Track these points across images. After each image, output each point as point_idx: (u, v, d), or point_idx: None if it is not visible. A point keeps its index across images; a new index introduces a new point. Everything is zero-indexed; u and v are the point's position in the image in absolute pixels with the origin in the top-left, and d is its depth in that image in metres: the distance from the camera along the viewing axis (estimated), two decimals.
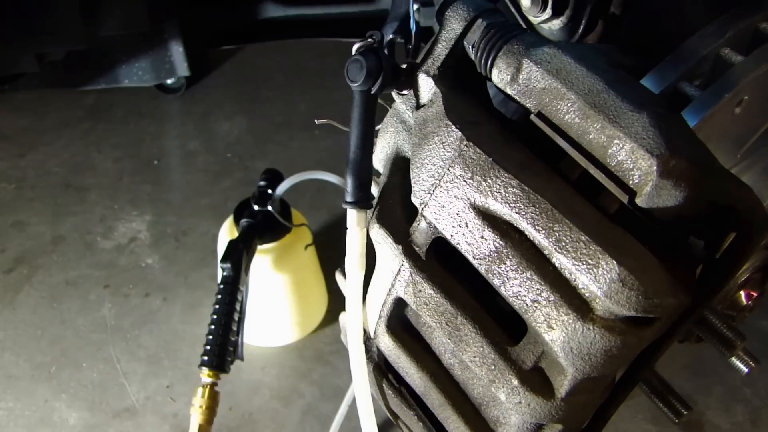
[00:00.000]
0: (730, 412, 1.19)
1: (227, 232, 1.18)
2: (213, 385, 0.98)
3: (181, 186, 1.64)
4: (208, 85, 1.93)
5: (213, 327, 1.00)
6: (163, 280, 1.40)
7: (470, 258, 0.53)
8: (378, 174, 0.68)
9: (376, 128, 0.64)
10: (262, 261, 1.15)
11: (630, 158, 0.47)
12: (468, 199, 0.52)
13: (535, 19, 0.61)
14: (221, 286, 1.03)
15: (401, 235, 0.59)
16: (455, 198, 0.53)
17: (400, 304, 0.61)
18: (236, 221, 1.15)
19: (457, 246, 0.54)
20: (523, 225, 0.50)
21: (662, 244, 0.49)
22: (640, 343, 0.51)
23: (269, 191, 1.14)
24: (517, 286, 0.50)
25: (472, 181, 0.52)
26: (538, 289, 0.49)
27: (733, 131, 0.57)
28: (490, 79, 0.57)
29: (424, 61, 0.61)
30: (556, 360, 0.51)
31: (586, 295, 0.48)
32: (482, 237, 0.52)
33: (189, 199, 1.59)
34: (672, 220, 0.47)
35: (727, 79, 0.53)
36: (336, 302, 1.34)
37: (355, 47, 0.60)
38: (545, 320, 0.49)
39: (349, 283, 0.65)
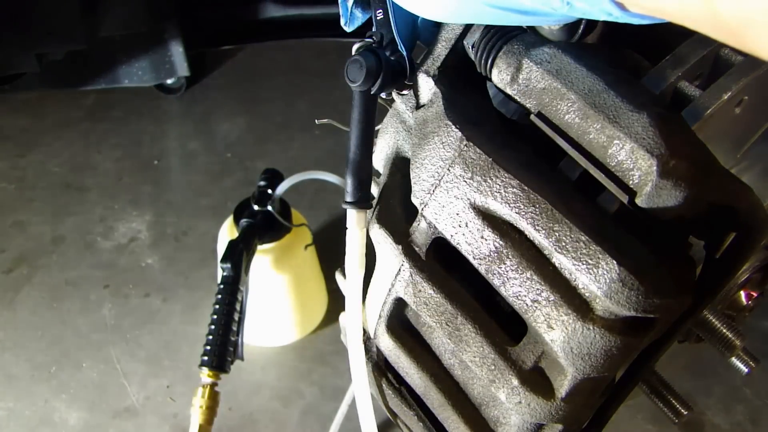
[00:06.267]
0: (730, 412, 1.19)
1: (227, 232, 1.18)
2: (213, 385, 0.98)
3: (181, 186, 1.64)
4: (208, 85, 1.93)
5: (213, 327, 1.00)
6: (163, 280, 1.40)
7: (470, 258, 0.53)
8: (378, 174, 0.68)
9: (376, 128, 0.64)
10: (262, 261, 1.15)
11: (630, 158, 0.47)
12: (468, 199, 0.52)
13: None
14: (221, 286, 1.03)
15: (401, 235, 0.59)
16: (455, 198, 0.53)
17: (400, 304, 0.61)
18: (236, 221, 1.15)
19: (457, 246, 0.54)
20: (523, 225, 0.50)
21: (662, 244, 0.49)
22: (640, 343, 0.51)
23: (269, 191, 1.14)
24: (517, 286, 0.50)
25: (472, 181, 0.52)
26: (538, 289, 0.49)
27: (733, 131, 0.58)
28: (490, 79, 0.57)
29: (424, 61, 0.61)
30: (557, 360, 0.51)
31: (586, 295, 0.48)
32: (482, 237, 0.52)
33: (189, 199, 1.59)
34: (672, 220, 0.47)
35: (727, 79, 0.53)
36: (336, 302, 1.34)
37: (354, 47, 0.60)
38: (545, 320, 0.49)
39: (349, 283, 0.65)
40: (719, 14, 0.30)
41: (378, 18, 0.59)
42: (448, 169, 0.54)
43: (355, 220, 0.63)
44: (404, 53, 0.59)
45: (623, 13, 0.37)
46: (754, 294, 0.69)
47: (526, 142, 0.55)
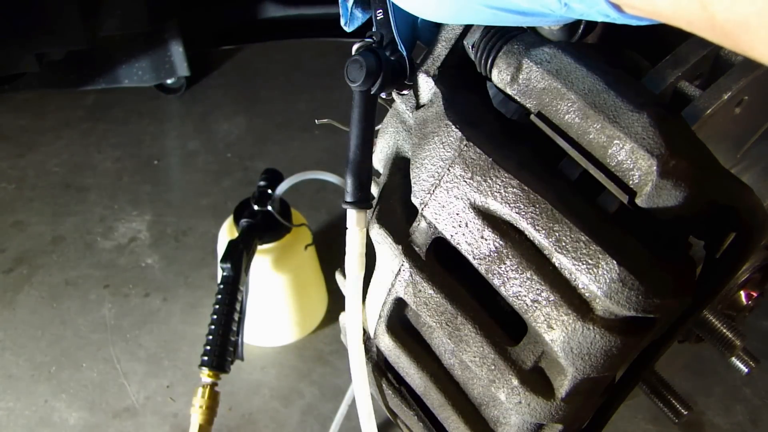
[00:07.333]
0: (730, 412, 1.19)
1: (227, 232, 1.18)
2: (213, 385, 0.98)
3: (181, 186, 1.64)
4: (208, 85, 1.93)
5: (213, 327, 1.00)
6: (163, 280, 1.40)
7: (470, 258, 0.53)
8: (378, 174, 0.68)
9: (376, 128, 0.64)
10: (262, 261, 1.15)
11: (630, 158, 0.47)
12: (468, 199, 0.52)
13: None
14: (221, 286, 1.03)
15: (401, 235, 0.59)
16: (455, 198, 0.53)
17: (400, 304, 0.61)
18: (236, 221, 1.15)
19: (457, 246, 0.54)
20: (523, 225, 0.50)
21: (662, 244, 0.49)
22: (640, 343, 0.51)
23: (269, 191, 1.14)
24: (517, 286, 0.50)
25: (472, 181, 0.52)
26: (538, 289, 0.49)
27: (733, 131, 0.58)
28: (490, 79, 0.57)
29: (424, 61, 0.61)
30: (556, 360, 0.51)
31: (586, 295, 0.48)
32: (482, 237, 0.52)
33: (189, 199, 1.59)
34: (672, 220, 0.47)
35: (727, 79, 0.53)
36: (336, 302, 1.34)
37: (354, 47, 0.60)
38: (545, 320, 0.49)
39: (349, 283, 0.65)
40: (714, 17, 0.30)
41: (378, 18, 0.59)
42: (448, 169, 0.54)
43: (355, 220, 0.63)
44: (404, 53, 0.59)
45: (620, 14, 0.37)
46: (754, 294, 0.69)
47: (526, 142, 0.55)
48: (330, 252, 1.32)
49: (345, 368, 1.13)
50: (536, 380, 0.53)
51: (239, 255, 1.05)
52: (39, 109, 1.82)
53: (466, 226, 0.53)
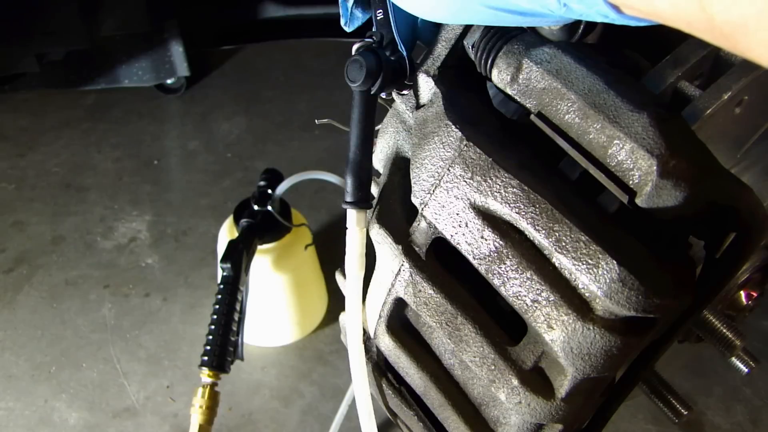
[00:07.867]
0: (730, 412, 1.19)
1: (227, 232, 1.18)
2: (213, 385, 0.98)
3: (181, 186, 1.64)
4: (208, 85, 1.93)
5: (213, 327, 1.00)
6: (163, 280, 1.40)
7: (470, 258, 0.53)
8: (378, 174, 0.68)
9: (376, 128, 0.64)
10: (262, 261, 1.15)
11: (630, 158, 0.47)
12: (468, 199, 0.52)
13: None
14: (221, 286, 1.03)
15: (401, 235, 0.59)
16: (455, 198, 0.53)
17: (400, 304, 0.61)
18: (236, 221, 1.15)
19: (457, 246, 0.54)
20: (523, 225, 0.50)
21: (662, 244, 0.49)
22: (640, 343, 0.51)
23: (269, 191, 1.14)
24: (517, 286, 0.50)
25: (472, 181, 0.52)
26: (538, 289, 0.49)
27: (733, 131, 0.58)
28: (490, 79, 0.57)
29: (424, 61, 0.61)
30: (557, 360, 0.51)
31: (586, 295, 0.48)
32: (482, 237, 0.52)
33: (189, 199, 1.59)
34: (672, 220, 0.47)
35: (727, 79, 0.53)
36: (336, 302, 1.34)
37: (354, 47, 0.60)
38: (545, 320, 0.49)
39: (349, 283, 0.65)
40: (713, 18, 0.30)
41: (378, 18, 0.59)
42: (448, 169, 0.54)
43: (355, 220, 0.63)
44: (404, 53, 0.59)
45: (619, 15, 0.37)
46: (754, 294, 0.69)
47: (526, 142, 0.55)
48: (330, 252, 1.32)
49: (345, 368, 1.13)
50: (536, 380, 0.53)
51: (239, 255, 1.05)
52: (39, 109, 1.82)
53: (466, 226, 0.53)
